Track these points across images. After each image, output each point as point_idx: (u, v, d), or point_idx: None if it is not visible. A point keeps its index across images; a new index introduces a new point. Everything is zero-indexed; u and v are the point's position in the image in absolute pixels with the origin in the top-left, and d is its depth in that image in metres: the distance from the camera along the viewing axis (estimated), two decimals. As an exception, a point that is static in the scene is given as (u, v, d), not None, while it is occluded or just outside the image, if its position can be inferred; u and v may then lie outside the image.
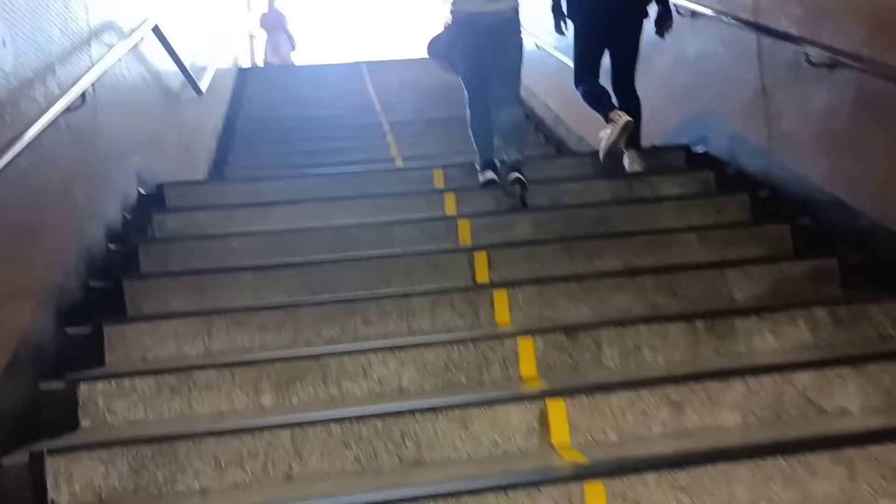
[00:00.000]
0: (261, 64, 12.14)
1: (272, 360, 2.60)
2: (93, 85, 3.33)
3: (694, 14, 4.46)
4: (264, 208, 3.90)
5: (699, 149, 4.52)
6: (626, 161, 4.27)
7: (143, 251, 3.47)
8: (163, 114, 4.92)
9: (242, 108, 8.49)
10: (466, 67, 4.11)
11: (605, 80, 4.46)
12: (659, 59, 4.97)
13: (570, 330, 2.72)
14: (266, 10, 12.11)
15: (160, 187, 4.17)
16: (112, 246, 3.49)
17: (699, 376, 2.44)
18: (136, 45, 4.09)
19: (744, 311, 2.82)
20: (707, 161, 4.40)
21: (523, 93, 7.91)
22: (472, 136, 4.18)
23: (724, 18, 4.09)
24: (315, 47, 13.10)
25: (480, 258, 3.35)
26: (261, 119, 8.02)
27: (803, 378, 2.43)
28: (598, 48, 4.39)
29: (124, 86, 4.07)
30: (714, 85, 4.37)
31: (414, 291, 3.07)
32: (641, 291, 3.10)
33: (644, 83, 5.17)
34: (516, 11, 4.12)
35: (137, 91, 4.35)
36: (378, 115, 7.88)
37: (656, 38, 4.97)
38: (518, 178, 3.88)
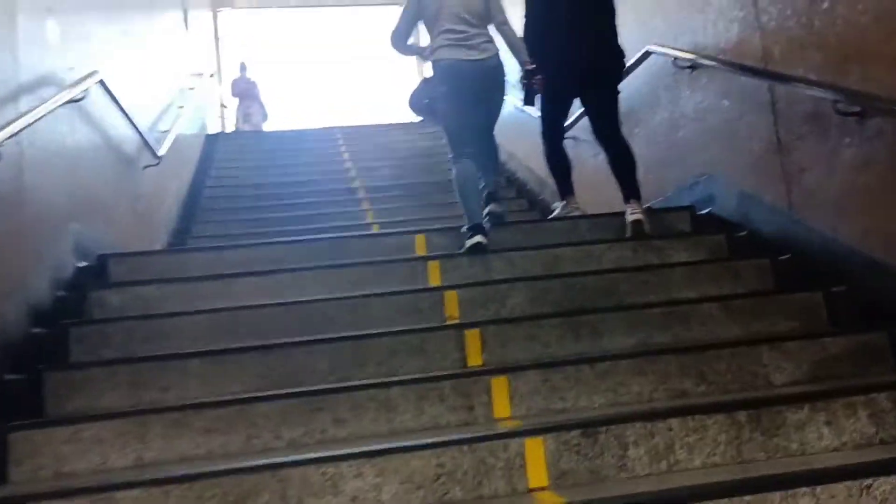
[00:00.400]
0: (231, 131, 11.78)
1: (218, 474, 2.07)
2: (17, 140, 2.86)
3: (694, 66, 4.13)
4: (223, 281, 3.41)
5: (705, 210, 4.12)
6: (628, 214, 3.87)
7: (75, 335, 2.94)
8: (113, 178, 4.45)
9: (210, 175, 8.05)
10: (451, 118, 3.84)
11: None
12: (653, 115, 4.63)
13: (588, 427, 2.22)
14: (237, 76, 11.82)
15: (103, 259, 3.65)
16: (36, 330, 2.96)
17: (753, 485, 1.94)
18: (78, 101, 3.65)
19: (792, 399, 2.35)
20: (715, 223, 4.00)
21: (502, 156, 7.65)
22: (458, 195, 3.80)
23: (728, 69, 3.75)
24: (288, 114, 12.77)
25: (472, 337, 2.87)
26: (230, 186, 7.59)
27: (883, 487, 1.95)
28: (564, 106, 4.20)
29: (63, 145, 3.61)
30: (719, 141, 4.00)
31: (395, 380, 2.57)
32: (664, 376, 2.62)
33: (638, 141, 4.82)
34: (499, 58, 3.91)
35: (81, 152, 3.89)
36: (353, 181, 7.48)
37: (649, 93, 4.65)
38: (493, 212, 3.86)
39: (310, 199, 6.88)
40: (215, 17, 12.62)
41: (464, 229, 3.74)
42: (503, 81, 3.92)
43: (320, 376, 2.74)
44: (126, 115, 4.64)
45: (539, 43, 3.94)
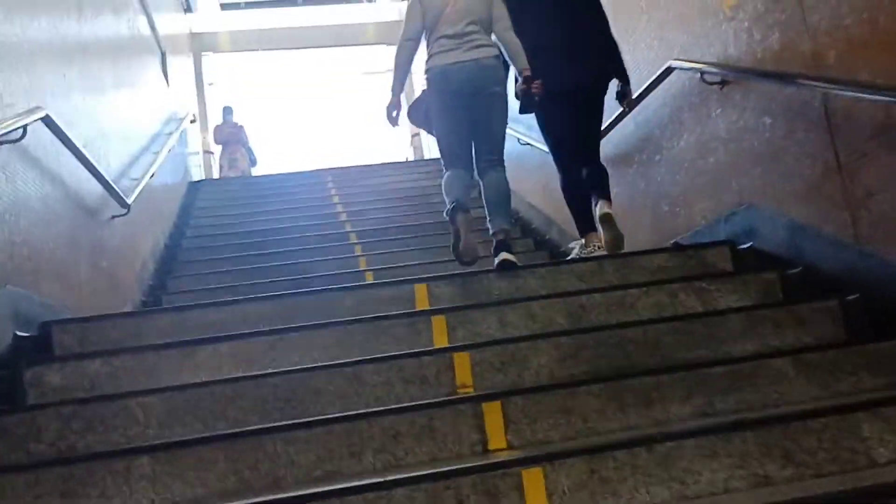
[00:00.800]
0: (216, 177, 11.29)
1: None
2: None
3: (724, 82, 3.64)
4: (185, 350, 2.84)
5: (745, 244, 3.59)
6: (597, 211, 3.86)
7: (-2, 427, 2.37)
8: (68, 232, 3.90)
9: (190, 224, 7.52)
10: (442, 126, 3.64)
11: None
12: (677, 139, 4.13)
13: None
14: (220, 122, 11.35)
15: (46, 327, 3.08)
16: (-51, 422, 2.38)
17: None
18: (16, 142, 3.12)
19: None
20: (761, 259, 3.47)
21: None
22: (443, 189, 3.63)
23: (769, 81, 3.26)
24: (277, 157, 12.32)
25: (492, 413, 2.30)
26: (212, 237, 7.05)
27: None
28: (565, 124, 3.98)
29: (-4, 194, 3.07)
30: (760, 165, 3.48)
31: (399, 478, 1.99)
32: (742, 457, 2.05)
33: (659, 170, 4.34)
34: (498, 59, 3.70)
35: (23, 202, 3.35)
36: (344, 226, 6.95)
37: (672, 115, 4.16)
38: (505, 261, 3.43)
39: (296, 246, 6.34)
40: (198, 62, 12.23)
41: (446, 214, 3.58)
42: (501, 85, 3.69)
43: (304, 472, 2.17)
44: (86, 160, 4.12)
45: (532, 65, 3.73)
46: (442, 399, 2.39)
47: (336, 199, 7.95)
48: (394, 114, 3.73)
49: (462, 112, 3.58)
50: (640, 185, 4.64)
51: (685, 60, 3.81)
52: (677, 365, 2.52)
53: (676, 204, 4.23)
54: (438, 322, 2.97)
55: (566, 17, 3.86)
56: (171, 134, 7.81)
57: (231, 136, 11.28)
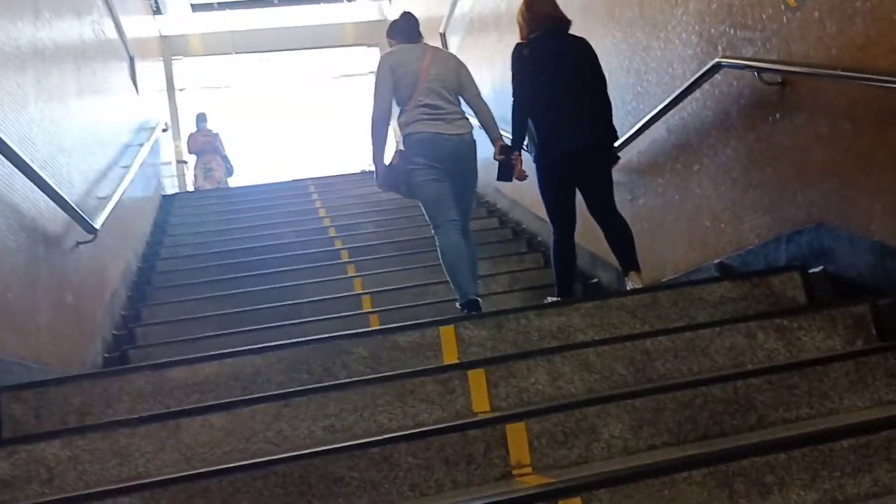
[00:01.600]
0: (191, 189, 10.65)
1: None
2: None
3: (785, 82, 3.16)
4: (169, 424, 2.28)
5: (815, 268, 3.11)
6: (629, 285, 3.67)
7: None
8: (22, 268, 3.32)
9: (165, 244, 6.93)
10: (430, 188, 3.72)
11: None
12: (722, 147, 3.64)
13: None
14: (194, 129, 10.72)
15: (-8, 396, 2.51)
16: None
17: None
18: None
19: None
20: (837, 286, 2.99)
21: (506, 204, 6.62)
22: (445, 269, 3.71)
23: (853, 77, 2.77)
24: (255, 166, 11.71)
25: (570, 512, 1.79)
26: (190, 257, 6.47)
27: None
28: (569, 193, 3.88)
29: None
30: (834, 176, 2.99)
31: None
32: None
33: (698, 181, 3.86)
34: (473, 136, 3.88)
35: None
36: (334, 242, 6.41)
37: (717, 118, 3.68)
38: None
39: (283, 267, 5.80)
40: (168, 67, 11.59)
41: (457, 304, 3.64)
42: (475, 160, 3.89)
43: None
44: (44, 183, 3.55)
45: (536, 128, 3.82)
46: (503, 498, 1.84)
47: (323, 213, 7.40)
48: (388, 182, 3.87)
49: (446, 175, 3.73)
50: (673, 197, 4.15)
51: (737, 58, 3.33)
52: (791, 438, 2.01)
53: (721, 219, 3.75)
54: (476, 378, 2.45)
55: (573, 84, 3.82)
56: (141, 145, 7.20)
57: (206, 145, 10.64)
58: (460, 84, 3.87)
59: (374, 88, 3.83)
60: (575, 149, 3.73)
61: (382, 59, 3.89)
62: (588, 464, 2.10)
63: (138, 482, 1.96)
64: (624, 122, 4.53)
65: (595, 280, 5.05)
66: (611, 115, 3.91)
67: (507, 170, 3.84)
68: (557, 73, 3.77)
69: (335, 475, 2.02)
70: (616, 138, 3.97)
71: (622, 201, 4.80)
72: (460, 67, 3.94)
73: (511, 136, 3.88)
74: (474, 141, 3.88)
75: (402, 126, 3.82)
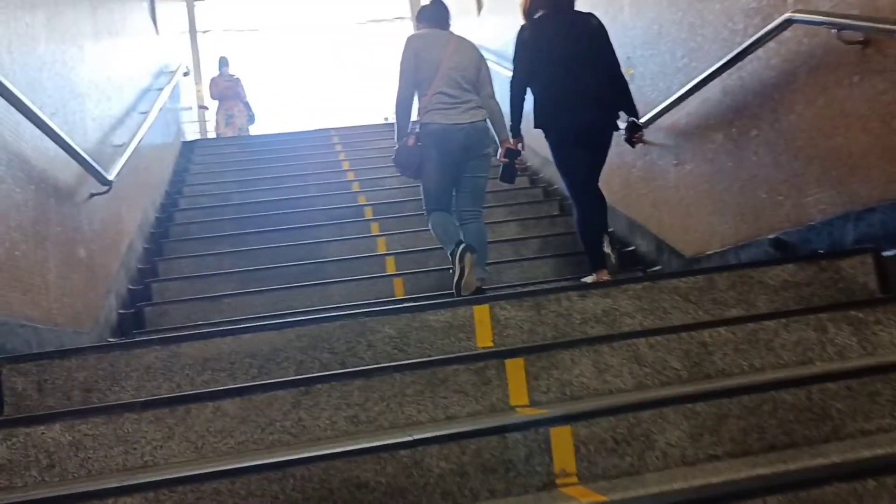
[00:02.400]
0: (212, 136, 10.41)
1: None
2: None
3: (867, 42, 2.82)
4: (179, 409, 2.08)
5: (890, 252, 2.82)
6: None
7: None
8: (30, 223, 3.11)
9: (184, 193, 6.72)
10: (433, 180, 3.87)
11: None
12: (785, 112, 3.32)
13: None
14: (216, 74, 10.42)
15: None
16: None
17: None
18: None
19: None
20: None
21: (537, 162, 6.28)
22: (436, 234, 3.90)
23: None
24: (277, 113, 11.42)
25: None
26: (209, 209, 6.26)
27: None
28: (580, 160, 3.81)
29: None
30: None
31: None
32: None
33: (754, 147, 3.55)
34: (486, 123, 3.96)
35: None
36: (358, 199, 6.16)
37: (780, 80, 3.35)
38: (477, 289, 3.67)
39: (304, 222, 5.58)
40: (191, 8, 11.24)
41: (450, 252, 3.70)
42: (491, 141, 3.98)
43: None
44: (53, 132, 3.32)
45: (538, 107, 3.82)
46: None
47: (347, 166, 7.14)
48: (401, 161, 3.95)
49: (453, 167, 3.86)
50: (725, 164, 3.84)
51: (814, 12, 2.98)
52: (874, 461, 1.76)
53: (779, 192, 3.45)
54: (514, 367, 2.22)
55: (574, 62, 3.78)
56: (161, 89, 6.94)
57: (228, 91, 10.37)
58: (479, 79, 3.98)
59: (399, 70, 3.94)
60: (575, 127, 3.75)
61: (408, 40, 3.98)
62: (641, 475, 1.88)
63: (142, 481, 1.76)
64: (672, 80, 4.20)
65: (632, 248, 4.78)
66: (622, 91, 3.83)
67: (511, 171, 3.98)
68: (557, 51, 3.76)
69: (359, 479, 1.81)
70: (635, 114, 3.87)
71: (667, 166, 4.52)
72: (481, 62, 4.03)
73: (510, 122, 3.88)
74: (487, 128, 3.96)
75: (420, 111, 3.94)
